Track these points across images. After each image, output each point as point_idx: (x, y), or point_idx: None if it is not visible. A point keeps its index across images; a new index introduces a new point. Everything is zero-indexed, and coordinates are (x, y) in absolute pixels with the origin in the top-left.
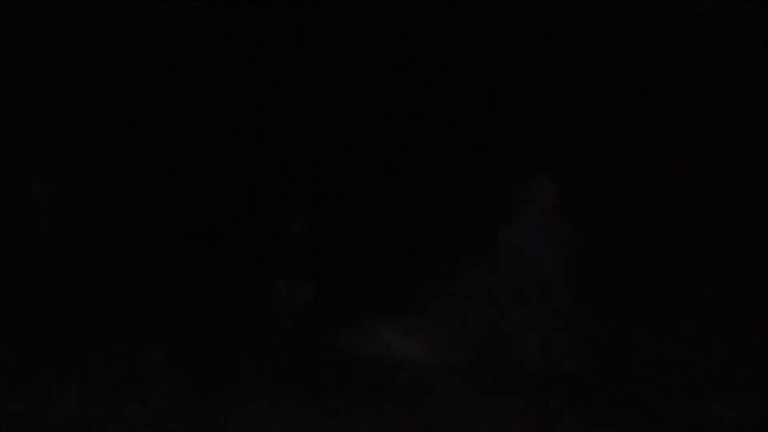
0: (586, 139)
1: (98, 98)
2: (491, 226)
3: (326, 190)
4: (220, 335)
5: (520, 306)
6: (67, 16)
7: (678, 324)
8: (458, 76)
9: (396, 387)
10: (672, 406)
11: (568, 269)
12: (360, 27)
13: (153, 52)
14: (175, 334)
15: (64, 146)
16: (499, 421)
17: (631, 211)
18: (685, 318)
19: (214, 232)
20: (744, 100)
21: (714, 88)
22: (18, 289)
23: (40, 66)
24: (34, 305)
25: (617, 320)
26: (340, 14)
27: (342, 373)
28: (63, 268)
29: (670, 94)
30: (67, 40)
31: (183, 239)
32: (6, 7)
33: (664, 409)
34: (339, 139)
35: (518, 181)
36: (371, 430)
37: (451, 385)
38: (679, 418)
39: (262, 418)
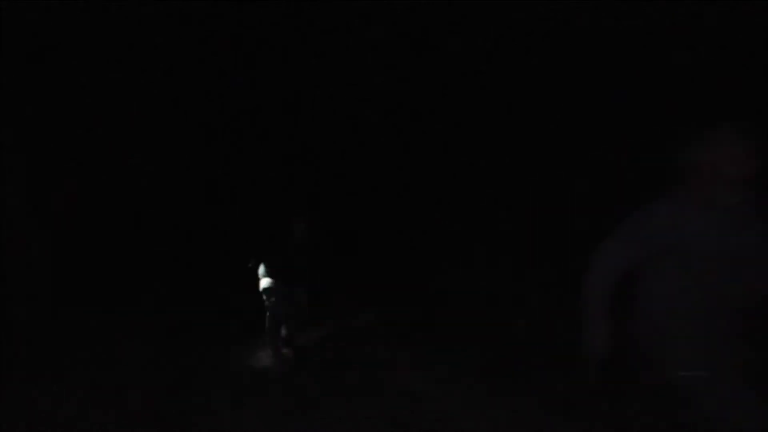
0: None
1: (97, 98)
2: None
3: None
4: (218, 335)
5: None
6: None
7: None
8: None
9: (396, 387)
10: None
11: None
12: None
13: (152, 52)
14: (174, 334)
15: (62, 146)
16: (499, 421)
17: None
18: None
19: (211, 234)
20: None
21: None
22: (17, 290)
23: (40, 68)
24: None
25: None
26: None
27: (341, 373)
28: (61, 268)
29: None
30: (67, 40)
31: (180, 239)
32: (6, 7)
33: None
34: (340, 139)
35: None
36: (371, 430)
37: (450, 387)
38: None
39: (261, 418)
